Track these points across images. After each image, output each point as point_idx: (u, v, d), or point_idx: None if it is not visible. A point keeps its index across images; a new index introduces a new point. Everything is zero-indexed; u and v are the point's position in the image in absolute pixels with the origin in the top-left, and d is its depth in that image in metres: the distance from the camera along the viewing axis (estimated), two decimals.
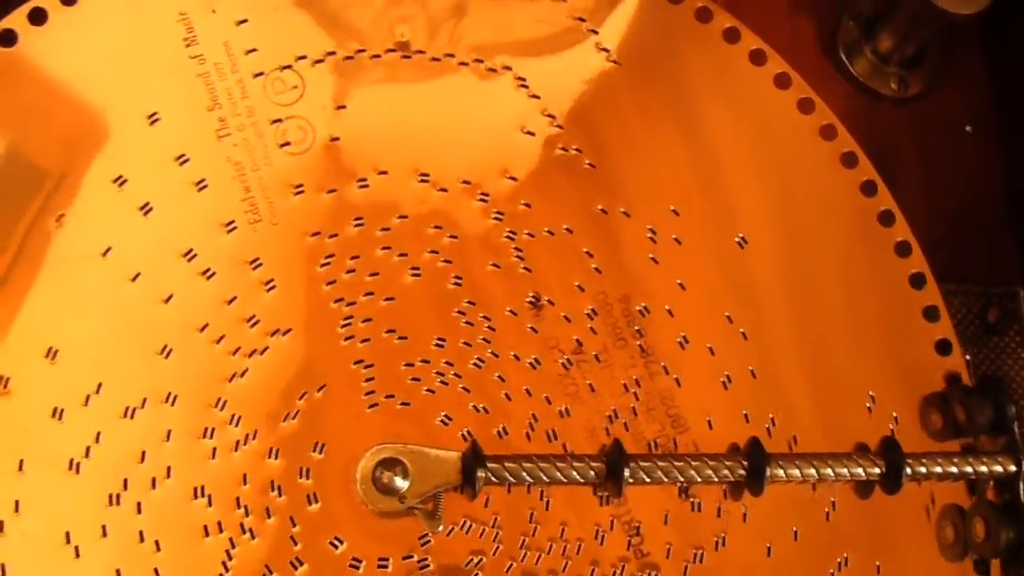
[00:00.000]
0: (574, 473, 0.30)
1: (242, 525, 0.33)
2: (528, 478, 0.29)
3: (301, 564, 0.33)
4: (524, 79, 0.37)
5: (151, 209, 0.35)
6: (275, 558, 0.33)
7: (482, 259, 0.36)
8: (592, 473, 0.30)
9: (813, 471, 0.30)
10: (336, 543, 0.34)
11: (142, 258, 0.35)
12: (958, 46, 0.46)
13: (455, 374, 0.35)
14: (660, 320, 0.36)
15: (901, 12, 0.42)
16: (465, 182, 0.36)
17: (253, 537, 0.33)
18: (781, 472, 0.30)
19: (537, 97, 0.37)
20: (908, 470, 0.30)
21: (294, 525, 0.34)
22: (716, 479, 0.29)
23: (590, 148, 0.37)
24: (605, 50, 0.38)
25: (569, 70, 0.38)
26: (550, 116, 0.37)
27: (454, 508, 0.34)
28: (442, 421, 0.35)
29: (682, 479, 0.29)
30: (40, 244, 0.35)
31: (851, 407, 0.36)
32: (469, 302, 0.36)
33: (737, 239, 0.37)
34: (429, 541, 0.34)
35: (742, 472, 0.30)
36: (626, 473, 0.29)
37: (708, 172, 0.38)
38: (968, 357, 0.39)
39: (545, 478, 0.29)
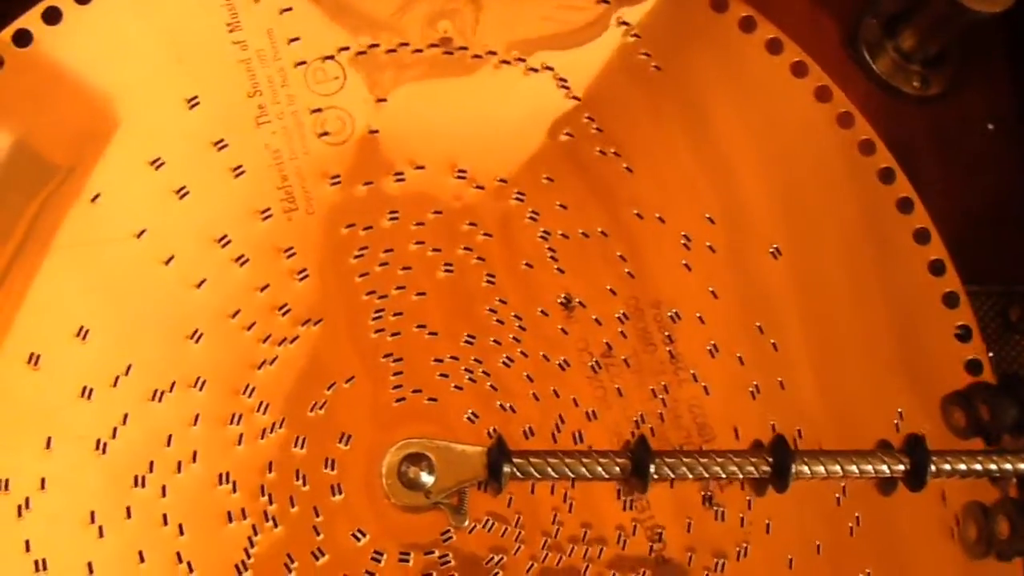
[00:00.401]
0: (599, 469, 0.30)
1: (265, 513, 0.34)
2: (553, 473, 0.30)
3: (323, 555, 0.34)
4: (566, 80, 0.37)
5: (187, 193, 0.36)
6: (297, 547, 0.34)
7: (515, 258, 0.36)
8: (617, 469, 0.30)
9: (838, 468, 0.30)
10: (358, 535, 0.34)
11: (176, 242, 0.35)
12: (981, 45, 0.46)
13: (483, 372, 0.35)
14: (691, 327, 0.36)
15: (924, 11, 0.43)
16: (501, 180, 0.37)
17: (276, 525, 0.34)
18: (806, 469, 0.30)
19: (578, 99, 0.37)
20: (932, 467, 0.30)
21: (317, 515, 0.34)
22: (741, 475, 0.30)
23: (628, 152, 0.37)
24: (646, 55, 0.38)
25: (611, 75, 0.38)
26: (589, 118, 0.37)
27: (477, 506, 0.34)
28: (468, 418, 0.35)
29: (707, 475, 0.29)
30: (74, 225, 0.35)
31: (879, 421, 0.36)
32: (501, 300, 0.36)
33: (771, 249, 0.37)
34: (451, 537, 0.34)
35: (767, 469, 0.30)
36: (651, 469, 0.29)
37: (740, 181, 0.38)
38: (991, 355, 0.39)
39: (570, 473, 0.30)
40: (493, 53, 0.37)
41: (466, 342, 0.36)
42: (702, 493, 0.35)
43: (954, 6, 0.40)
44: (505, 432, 0.34)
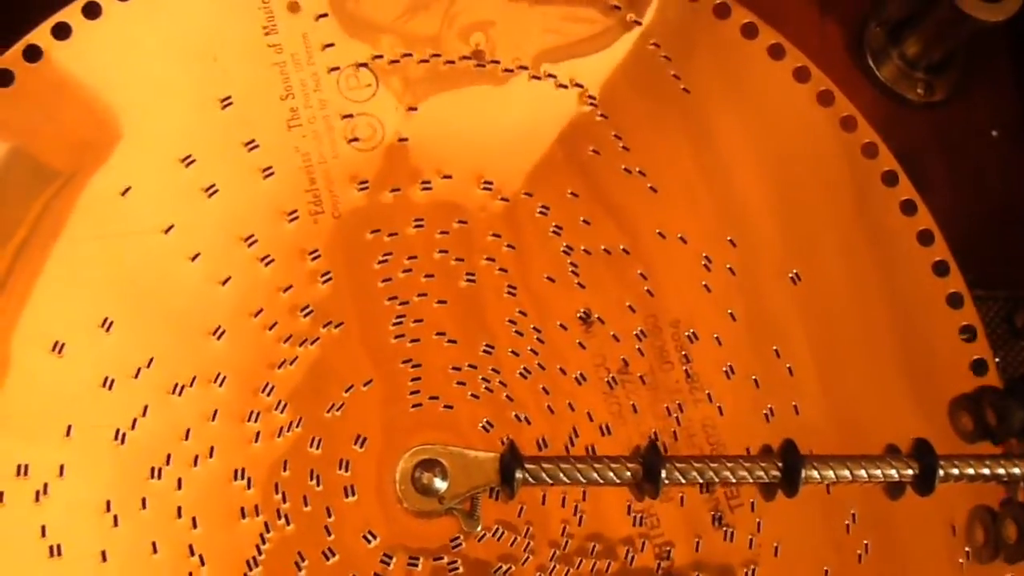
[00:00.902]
0: (611, 474, 0.30)
1: (278, 511, 0.34)
2: (565, 479, 0.30)
3: (333, 555, 0.34)
4: (595, 98, 0.38)
5: (216, 191, 0.36)
6: (308, 546, 0.34)
7: (538, 270, 0.37)
8: (629, 474, 0.30)
9: (847, 472, 0.30)
10: (369, 537, 0.34)
11: (203, 239, 0.36)
12: (985, 51, 0.47)
13: (500, 382, 0.36)
14: (708, 348, 0.37)
15: (929, 18, 0.44)
16: (527, 193, 0.37)
17: (288, 523, 0.34)
18: (815, 473, 0.30)
19: (605, 117, 0.38)
20: (941, 472, 0.30)
21: (329, 515, 0.34)
22: (751, 480, 0.30)
23: (654, 172, 0.38)
24: (676, 77, 0.39)
25: (639, 95, 0.39)
26: (617, 136, 0.38)
27: (488, 514, 0.35)
28: (483, 427, 0.36)
29: (718, 480, 0.30)
30: (103, 217, 0.36)
31: (887, 428, 0.36)
32: (520, 312, 0.37)
33: (791, 274, 0.38)
34: (460, 544, 0.35)
35: (776, 473, 0.30)
36: (663, 474, 0.30)
37: (749, 196, 0.39)
38: (997, 360, 0.39)
39: (582, 479, 0.30)
40: (524, 68, 0.38)
41: (484, 352, 0.36)
42: (712, 513, 0.36)
43: (958, 14, 0.41)
44: (519, 442, 0.35)
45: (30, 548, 0.33)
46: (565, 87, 0.38)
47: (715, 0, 0.39)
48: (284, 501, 0.34)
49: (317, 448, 0.35)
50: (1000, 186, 0.46)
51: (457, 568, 0.35)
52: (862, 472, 0.30)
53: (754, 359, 0.37)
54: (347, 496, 0.35)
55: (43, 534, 0.33)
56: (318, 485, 0.35)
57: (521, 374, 0.36)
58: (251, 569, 0.34)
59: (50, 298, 0.35)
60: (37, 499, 0.33)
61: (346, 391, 0.35)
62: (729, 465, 0.30)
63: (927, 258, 0.39)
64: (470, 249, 0.37)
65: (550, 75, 0.38)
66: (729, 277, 0.38)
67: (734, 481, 0.30)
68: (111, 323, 0.35)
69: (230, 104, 0.37)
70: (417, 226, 0.37)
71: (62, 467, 0.34)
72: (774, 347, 0.37)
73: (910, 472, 0.30)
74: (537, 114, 0.38)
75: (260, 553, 0.34)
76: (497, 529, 0.35)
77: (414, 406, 0.36)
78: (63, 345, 0.35)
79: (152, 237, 0.36)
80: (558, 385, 0.36)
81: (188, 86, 0.37)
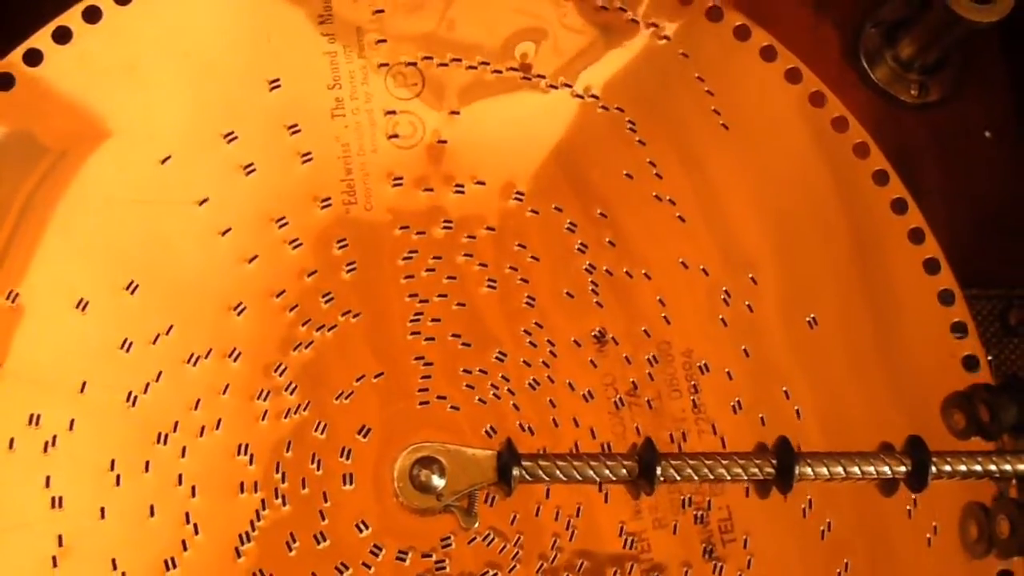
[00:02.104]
0: (607, 471, 0.31)
1: (276, 490, 0.36)
2: (562, 476, 0.31)
3: (324, 540, 0.35)
4: (634, 123, 0.39)
5: (254, 170, 0.38)
6: (301, 528, 0.35)
7: (558, 284, 0.38)
8: (624, 471, 0.31)
9: (840, 469, 0.31)
10: (362, 527, 0.36)
11: (235, 215, 0.38)
12: (978, 53, 0.48)
13: (509, 390, 0.37)
14: (718, 381, 0.38)
15: (923, 20, 0.45)
16: (557, 208, 0.39)
17: (285, 503, 0.36)
18: (809, 470, 0.31)
19: (643, 144, 0.39)
20: (934, 468, 0.31)
21: (325, 501, 0.36)
22: (745, 477, 0.31)
23: (685, 201, 0.39)
24: (716, 112, 0.40)
25: (679, 125, 0.40)
26: (651, 163, 0.39)
27: (481, 519, 0.35)
28: (487, 432, 0.37)
29: (712, 477, 0.31)
30: (141, 182, 0.38)
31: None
32: (537, 323, 0.38)
33: (808, 319, 0.39)
34: (450, 544, 0.36)
35: (771, 470, 0.31)
36: (658, 471, 0.31)
37: (785, 242, 0.40)
38: (990, 358, 0.41)
39: (578, 476, 0.31)
40: (568, 85, 0.40)
41: (497, 358, 0.37)
42: (704, 544, 0.36)
43: (952, 15, 0.42)
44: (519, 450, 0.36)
45: (33, 497, 0.34)
46: (607, 109, 0.40)
47: (735, 24, 0.41)
48: (283, 481, 0.36)
49: (321, 433, 0.36)
50: (994, 186, 0.47)
51: (444, 567, 0.36)
52: (855, 469, 0.31)
53: (763, 398, 0.38)
54: (345, 484, 0.36)
55: (47, 484, 0.34)
56: (318, 469, 0.36)
57: (530, 384, 0.37)
58: (243, 544, 0.35)
59: (81, 255, 0.37)
60: (45, 450, 0.35)
61: (356, 380, 0.37)
62: (724, 462, 0.30)
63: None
64: (495, 256, 0.38)
65: (593, 95, 0.40)
66: (747, 313, 0.39)
67: (729, 478, 0.30)
68: (136, 287, 0.37)
69: (278, 87, 0.39)
70: (445, 227, 0.38)
71: (72, 422, 0.35)
72: (784, 388, 0.38)
73: (903, 469, 0.31)
74: (576, 132, 0.39)
75: (254, 529, 0.35)
76: (488, 534, 0.36)
77: (421, 403, 0.37)
78: (87, 303, 0.36)
79: (186, 208, 0.37)
80: (565, 400, 0.37)
81: (239, 64, 0.39)
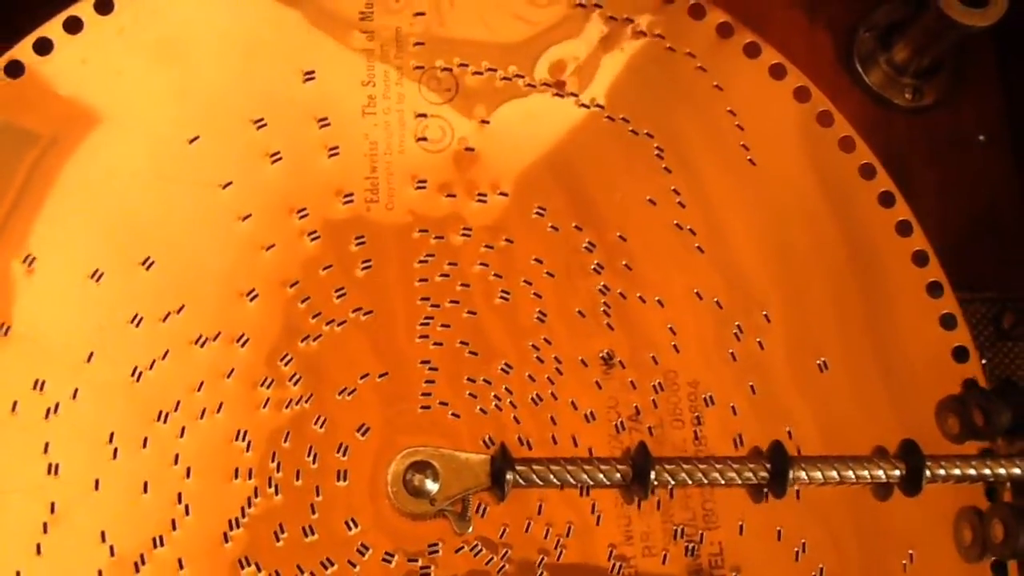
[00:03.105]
0: (601, 476, 0.31)
1: (270, 479, 0.36)
2: (555, 480, 0.31)
3: (313, 533, 0.36)
4: (662, 150, 0.40)
5: (280, 159, 0.39)
6: (291, 519, 0.36)
7: (571, 303, 0.39)
8: (618, 475, 0.31)
9: (835, 473, 0.31)
10: (351, 524, 0.36)
11: (257, 202, 0.39)
12: (972, 57, 0.49)
13: (511, 402, 0.38)
14: (722, 414, 0.38)
15: (916, 24, 0.46)
16: (577, 227, 0.39)
17: (277, 493, 0.36)
18: (803, 475, 0.31)
19: (669, 171, 0.40)
20: (928, 472, 0.31)
21: (318, 495, 0.37)
22: (740, 481, 0.31)
23: (705, 233, 0.40)
24: (745, 147, 0.41)
25: (709, 156, 0.41)
26: (675, 191, 0.40)
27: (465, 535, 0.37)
28: (485, 442, 0.38)
29: (707, 481, 0.31)
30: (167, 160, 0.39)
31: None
32: (546, 339, 0.38)
33: (819, 362, 0.39)
34: (437, 552, 0.37)
35: (765, 474, 0.31)
36: (652, 475, 0.31)
37: (798, 284, 0.40)
38: (984, 362, 0.41)
39: (572, 480, 0.31)
40: (600, 107, 0.40)
41: (502, 370, 0.38)
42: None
43: (945, 20, 0.43)
44: None
45: (31, 461, 0.35)
46: (636, 134, 0.40)
47: (772, 62, 0.41)
48: (278, 471, 0.37)
49: (321, 427, 0.37)
50: (987, 189, 0.48)
51: (429, 573, 0.36)
52: (849, 473, 0.31)
53: (766, 435, 0.38)
54: (339, 480, 0.37)
55: (45, 450, 0.35)
56: (314, 463, 0.37)
57: (533, 400, 0.38)
58: (232, 529, 0.36)
59: (101, 226, 0.38)
60: (47, 416, 0.36)
61: (360, 378, 0.38)
62: (718, 467, 0.31)
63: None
64: (510, 268, 0.39)
65: (624, 119, 0.40)
66: (757, 350, 0.39)
67: (723, 483, 0.31)
68: (152, 263, 0.38)
69: (312, 79, 0.40)
70: (464, 235, 0.39)
71: (76, 391, 0.36)
72: (788, 428, 0.39)
73: (897, 473, 0.32)
74: (604, 153, 0.40)
75: (244, 516, 0.36)
76: (476, 545, 0.37)
77: (422, 407, 0.38)
78: (102, 275, 0.37)
79: (209, 189, 0.38)
80: (566, 418, 0.38)
81: (276, 52, 0.40)
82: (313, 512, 0.36)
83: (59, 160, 0.38)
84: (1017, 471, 0.32)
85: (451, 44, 0.40)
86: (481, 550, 0.37)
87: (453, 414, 0.38)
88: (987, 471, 0.32)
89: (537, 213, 0.40)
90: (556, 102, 0.40)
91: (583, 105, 0.40)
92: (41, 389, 0.36)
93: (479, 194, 0.40)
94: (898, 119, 0.48)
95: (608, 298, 0.39)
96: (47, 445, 0.35)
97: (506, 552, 0.37)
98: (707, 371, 0.39)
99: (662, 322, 0.39)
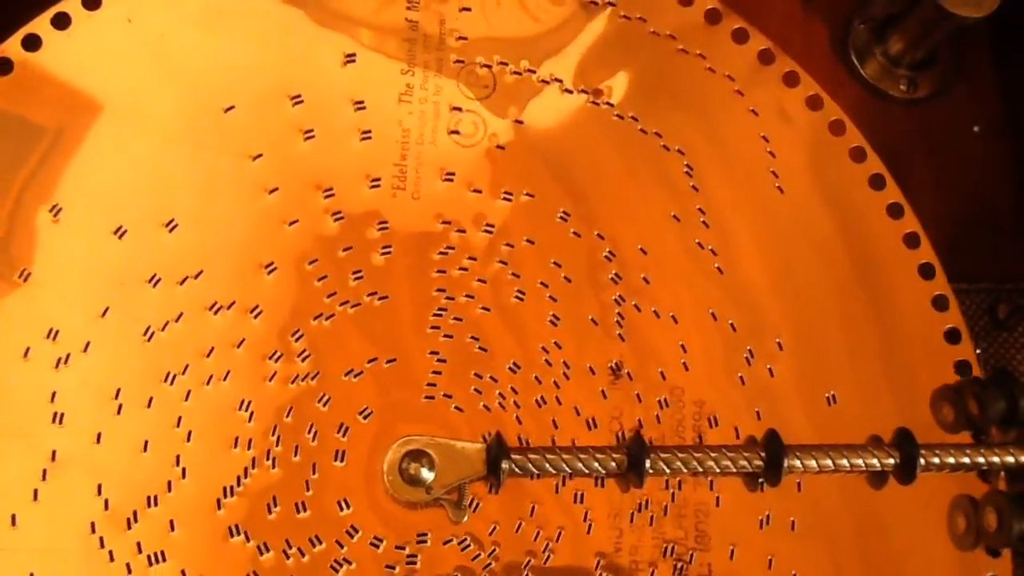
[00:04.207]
0: (596, 464, 0.32)
1: (269, 451, 0.38)
2: (551, 469, 0.32)
3: (304, 510, 0.37)
4: (691, 168, 0.41)
5: (313, 136, 0.40)
6: (284, 493, 0.37)
7: (586, 310, 0.40)
8: (614, 464, 0.32)
9: (829, 462, 0.32)
10: (343, 505, 0.37)
11: (285, 177, 0.40)
12: (967, 48, 0.50)
13: (515, 402, 0.39)
14: (725, 436, 0.39)
15: (912, 16, 0.47)
16: (599, 235, 0.40)
17: (274, 466, 0.37)
18: (798, 463, 0.32)
19: (696, 189, 0.41)
20: (922, 460, 0.32)
21: (314, 472, 0.38)
22: (734, 470, 0.32)
23: (726, 254, 0.41)
24: (775, 174, 0.42)
25: (739, 180, 0.42)
26: (701, 210, 0.41)
27: (459, 525, 0.37)
28: (484, 438, 0.38)
29: (702, 470, 0.32)
30: (201, 127, 0.40)
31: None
32: (556, 343, 0.39)
33: (828, 395, 0.40)
34: (426, 542, 0.38)
35: (760, 463, 0.32)
36: (647, 464, 0.32)
37: (813, 317, 0.41)
38: (979, 352, 0.42)
39: (567, 469, 0.32)
40: (635, 119, 0.41)
41: (510, 369, 0.39)
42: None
43: (940, 11, 0.44)
44: None
45: (37, 408, 0.37)
46: (668, 149, 0.41)
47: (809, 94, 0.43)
48: (277, 445, 0.38)
49: (324, 406, 0.38)
50: (982, 180, 0.48)
51: (415, 563, 0.37)
52: (844, 462, 0.32)
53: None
54: (336, 460, 0.38)
55: (52, 399, 0.37)
56: (313, 440, 0.38)
57: (537, 402, 0.39)
58: (225, 496, 0.37)
59: (129, 184, 0.39)
60: (57, 366, 0.37)
61: (368, 362, 0.39)
62: (713, 455, 0.32)
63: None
64: (529, 269, 0.40)
65: (656, 133, 0.41)
66: (766, 377, 0.40)
67: (718, 471, 0.32)
68: (176, 226, 0.39)
69: (352, 62, 0.41)
70: (486, 231, 0.40)
71: (88, 344, 0.37)
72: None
73: (891, 461, 0.32)
74: (634, 165, 0.41)
75: (239, 485, 0.37)
76: (465, 539, 0.38)
77: (426, 397, 0.39)
78: (126, 232, 0.39)
79: (240, 159, 0.40)
80: (568, 423, 0.39)
81: (320, 32, 0.41)
82: (308, 489, 0.38)
83: (93, 117, 0.39)
84: (1011, 459, 0.32)
85: (493, 42, 0.42)
86: (469, 545, 0.38)
87: (456, 407, 0.39)
88: (981, 459, 0.32)
89: (561, 217, 0.41)
90: (591, 109, 0.41)
91: (618, 116, 0.41)
92: (54, 338, 0.37)
93: (505, 192, 0.41)
94: (894, 111, 0.49)
95: (622, 309, 0.40)
96: (54, 394, 0.37)
97: (494, 550, 0.38)
98: (714, 392, 0.40)
99: (674, 338, 0.40)
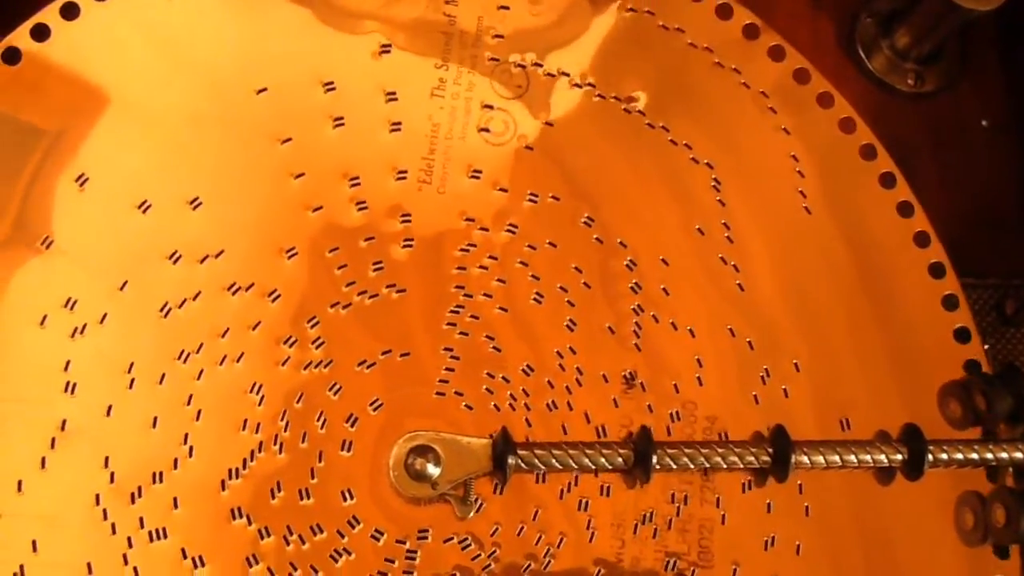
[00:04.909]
0: (603, 460, 0.32)
1: (276, 436, 0.38)
2: (558, 464, 0.32)
3: (308, 497, 0.38)
4: (719, 183, 0.41)
5: (342, 124, 0.41)
6: (289, 479, 0.38)
7: (602, 317, 0.40)
8: (620, 460, 0.32)
9: (837, 458, 0.32)
10: (347, 495, 0.38)
11: (312, 163, 0.40)
12: (975, 42, 0.50)
13: (526, 404, 0.39)
14: None
15: (919, 9, 0.47)
16: (622, 244, 0.41)
17: (280, 451, 0.38)
18: (806, 459, 0.32)
19: (723, 204, 0.41)
20: (930, 456, 0.32)
21: (320, 460, 0.38)
22: (741, 465, 0.32)
23: (749, 271, 0.41)
24: (802, 194, 0.42)
25: (768, 198, 0.42)
26: (726, 225, 0.41)
27: (461, 523, 0.38)
28: (492, 435, 0.39)
29: (708, 465, 0.32)
30: (235, 108, 0.41)
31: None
32: (571, 349, 0.40)
33: (841, 419, 0.40)
34: (426, 538, 0.38)
35: (767, 459, 0.32)
36: (654, 459, 0.32)
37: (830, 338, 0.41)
38: (986, 347, 0.42)
39: (574, 464, 0.32)
40: (666, 129, 0.42)
41: (523, 371, 0.40)
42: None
43: (948, 4, 0.44)
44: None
45: (50, 376, 0.37)
46: (696, 162, 0.42)
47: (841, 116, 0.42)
48: (285, 430, 0.38)
49: (335, 394, 0.39)
50: (990, 175, 0.49)
51: (414, 559, 0.38)
52: (852, 458, 0.32)
53: (776, 488, 0.39)
54: (343, 450, 0.38)
55: (66, 368, 0.37)
56: (321, 428, 0.38)
57: (548, 405, 0.39)
58: (230, 478, 0.38)
59: (156, 160, 0.40)
60: (73, 335, 0.38)
61: (382, 353, 0.39)
62: (720, 451, 0.32)
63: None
64: (549, 272, 0.40)
65: (687, 145, 0.42)
66: (781, 398, 0.40)
67: (725, 467, 0.32)
68: (200, 204, 0.39)
69: (387, 52, 0.41)
70: (509, 231, 0.41)
71: (105, 316, 0.38)
72: (799, 482, 0.40)
73: (899, 457, 0.32)
74: (663, 176, 0.42)
75: (244, 467, 0.38)
76: (466, 539, 0.38)
77: (437, 393, 0.39)
78: (150, 206, 0.39)
79: (268, 142, 0.40)
80: (577, 429, 0.39)
81: (356, 21, 0.41)
82: (312, 477, 0.38)
83: (124, 90, 0.40)
84: (1019, 455, 0.33)
85: (529, 42, 0.42)
86: (470, 544, 0.38)
87: (466, 405, 0.39)
88: (989, 455, 0.33)
89: (584, 223, 0.41)
90: (623, 116, 0.42)
91: (649, 124, 0.42)
92: (72, 308, 0.38)
93: (531, 194, 0.41)
94: (901, 105, 0.49)
95: (640, 319, 0.40)
96: (68, 363, 0.37)
97: (494, 551, 0.38)
98: (727, 409, 0.40)
99: (690, 352, 0.40)
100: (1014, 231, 0.48)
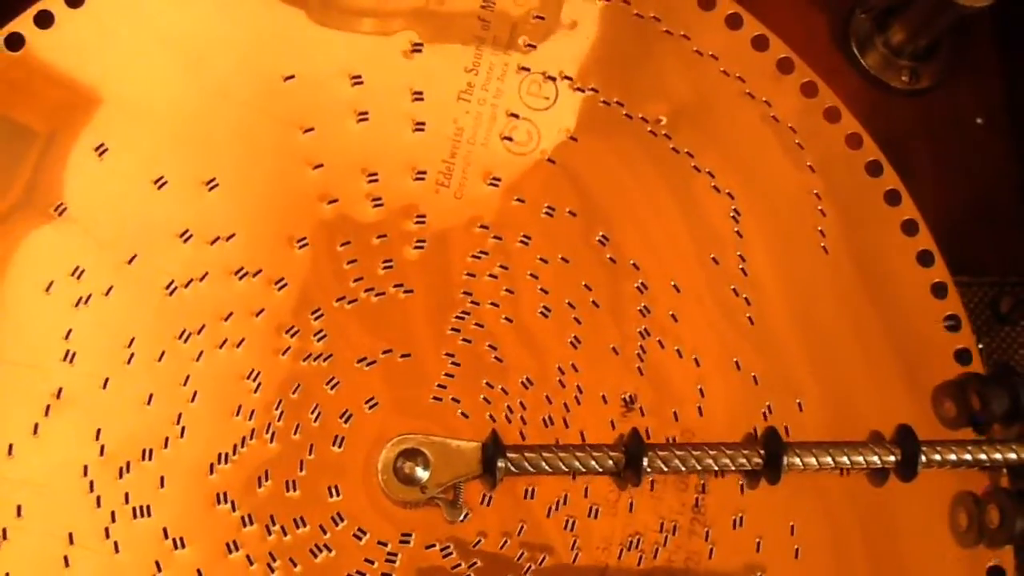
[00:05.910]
0: (593, 463, 0.32)
1: (269, 425, 0.39)
2: (548, 467, 0.32)
3: (295, 489, 0.38)
4: (739, 213, 0.42)
5: (366, 120, 0.41)
6: (278, 470, 0.38)
7: (609, 337, 0.40)
8: (611, 462, 0.32)
9: (829, 459, 0.32)
10: (333, 492, 0.38)
11: (332, 155, 0.41)
12: (969, 38, 0.50)
13: (522, 417, 0.40)
14: (728, 491, 0.39)
15: (914, 5, 0.47)
16: (635, 265, 0.41)
17: (272, 441, 0.39)
18: (798, 460, 0.32)
19: (740, 235, 0.42)
20: (923, 457, 0.32)
21: (310, 453, 0.39)
22: (733, 468, 0.32)
23: (761, 305, 0.41)
24: (822, 233, 0.42)
25: (787, 234, 0.42)
26: (741, 257, 0.42)
27: (444, 531, 0.38)
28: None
29: (700, 468, 0.32)
30: (262, 94, 0.42)
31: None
32: (574, 366, 0.40)
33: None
34: (408, 542, 0.38)
35: (759, 460, 0.32)
36: (645, 462, 0.32)
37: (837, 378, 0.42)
38: (981, 346, 0.43)
39: (564, 467, 0.32)
40: (691, 155, 0.42)
41: (523, 383, 0.40)
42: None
43: (942, 1, 0.44)
44: (510, 487, 0.39)
45: (50, 342, 0.38)
46: (718, 191, 0.42)
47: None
48: (279, 420, 0.39)
49: (332, 389, 0.39)
50: (984, 172, 0.49)
51: (394, 562, 0.38)
52: (844, 459, 0.32)
53: (768, 526, 0.40)
54: (334, 445, 0.39)
55: (67, 336, 0.38)
56: (315, 421, 0.39)
57: (544, 420, 0.40)
58: (219, 462, 0.38)
59: (177, 139, 0.40)
60: (77, 304, 0.38)
61: (383, 352, 0.40)
62: (712, 453, 0.32)
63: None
64: (558, 287, 0.41)
65: (710, 173, 0.42)
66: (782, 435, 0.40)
67: (716, 469, 0.32)
68: (216, 185, 0.40)
69: (419, 51, 0.42)
70: (522, 241, 0.41)
71: (111, 288, 0.39)
72: (791, 523, 0.40)
73: (892, 458, 0.33)
74: (683, 201, 0.42)
75: (235, 453, 0.38)
76: (448, 547, 0.38)
77: (434, 398, 0.40)
78: (166, 183, 0.40)
79: (290, 130, 0.41)
80: None
81: (392, 19, 0.42)
82: (301, 469, 0.39)
83: (149, 64, 0.41)
84: (1013, 456, 0.33)
85: (561, 55, 0.42)
86: (451, 553, 0.38)
87: (462, 413, 0.40)
88: (983, 456, 0.33)
89: (599, 241, 0.41)
90: (648, 138, 0.42)
91: (674, 149, 0.42)
92: (79, 277, 0.39)
93: (548, 206, 0.41)
94: (895, 102, 0.49)
95: (646, 342, 0.41)
96: (70, 332, 0.38)
97: (475, 563, 0.38)
98: (727, 438, 0.40)
99: (694, 380, 0.41)
100: (1010, 229, 0.48)
